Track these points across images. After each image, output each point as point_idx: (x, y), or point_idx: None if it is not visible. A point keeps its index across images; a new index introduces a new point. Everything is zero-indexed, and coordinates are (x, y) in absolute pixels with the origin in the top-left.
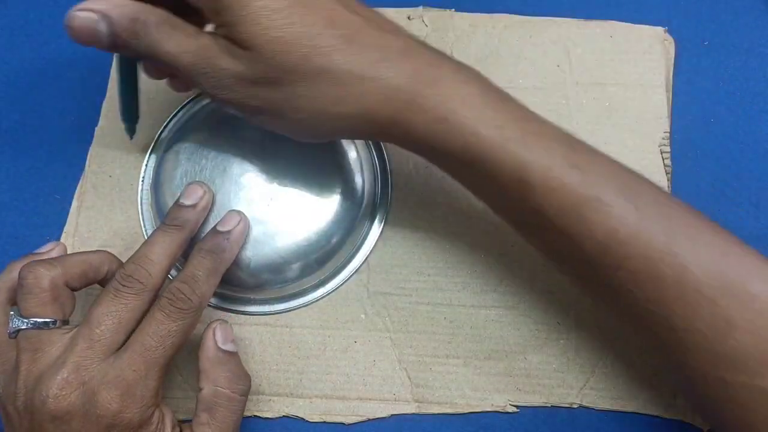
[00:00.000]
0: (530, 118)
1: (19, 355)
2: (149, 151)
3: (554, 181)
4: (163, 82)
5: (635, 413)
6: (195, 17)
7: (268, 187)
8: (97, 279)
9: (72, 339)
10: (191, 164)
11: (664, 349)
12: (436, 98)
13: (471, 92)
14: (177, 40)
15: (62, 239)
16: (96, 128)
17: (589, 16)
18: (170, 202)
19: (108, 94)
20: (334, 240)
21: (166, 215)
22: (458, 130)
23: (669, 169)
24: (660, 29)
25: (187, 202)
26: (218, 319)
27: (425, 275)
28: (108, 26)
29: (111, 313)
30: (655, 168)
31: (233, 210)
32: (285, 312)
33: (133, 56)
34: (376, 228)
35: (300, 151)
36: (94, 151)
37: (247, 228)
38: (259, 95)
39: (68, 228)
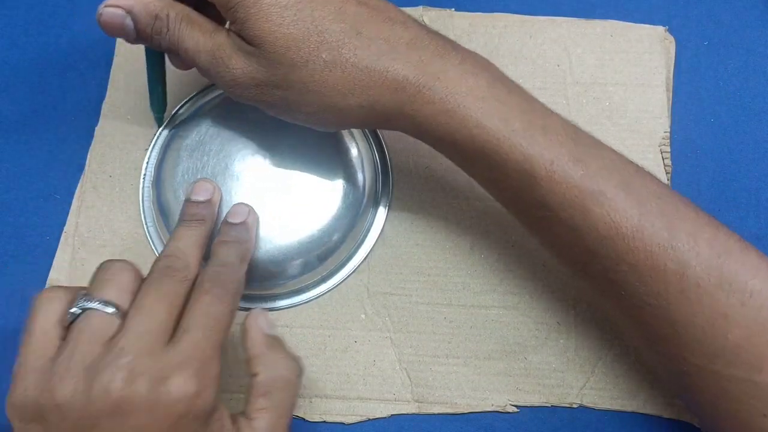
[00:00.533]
0: (536, 110)
1: (73, 341)
2: (150, 148)
3: (558, 174)
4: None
5: (635, 413)
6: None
7: (269, 184)
8: None
9: (126, 328)
10: (192, 161)
11: (662, 342)
12: (442, 90)
13: (477, 83)
14: (195, 38)
15: (62, 239)
16: (96, 128)
17: (589, 15)
18: (172, 199)
19: (108, 94)
20: (335, 237)
21: (181, 214)
22: (463, 122)
23: (669, 169)
24: (660, 28)
25: (201, 198)
26: (256, 308)
27: (425, 275)
28: (134, 22)
29: (160, 301)
30: (655, 167)
31: (239, 203)
32: (286, 308)
33: (159, 50)
34: (377, 226)
35: (302, 148)
36: (94, 151)
37: (257, 217)
38: (271, 92)
39: (68, 228)
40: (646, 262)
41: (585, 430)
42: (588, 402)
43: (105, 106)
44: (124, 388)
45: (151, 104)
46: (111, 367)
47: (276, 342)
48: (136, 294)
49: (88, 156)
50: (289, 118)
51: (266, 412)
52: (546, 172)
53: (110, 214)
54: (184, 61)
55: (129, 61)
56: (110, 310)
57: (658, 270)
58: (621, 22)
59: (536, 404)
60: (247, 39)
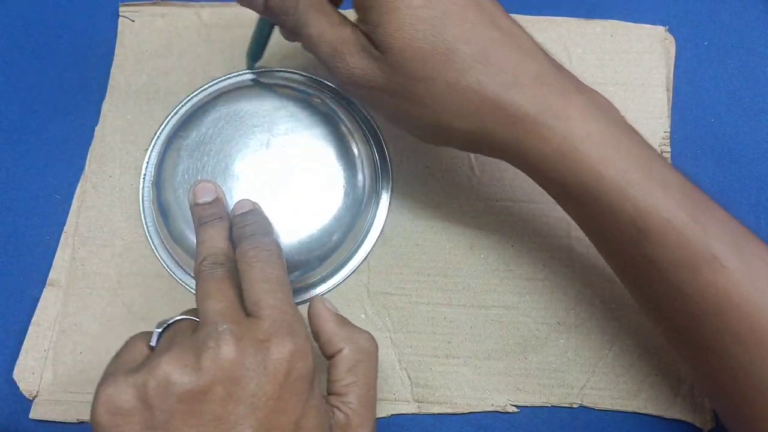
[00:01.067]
0: (654, 160)
1: (162, 342)
2: (150, 148)
3: (673, 233)
4: (160, 84)
5: (635, 413)
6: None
7: (269, 184)
8: None
9: (205, 311)
10: (192, 161)
11: (739, 397)
12: (561, 131)
13: (598, 128)
14: (320, 26)
15: (62, 239)
16: (96, 128)
17: (589, 15)
18: (172, 199)
19: (108, 94)
20: (335, 237)
21: (197, 218)
22: (578, 167)
23: None
24: (660, 28)
25: (208, 198)
26: (313, 296)
27: (425, 275)
28: None
29: (222, 290)
30: None
31: (246, 199)
32: None
33: (282, 27)
34: (377, 226)
35: (302, 148)
36: (94, 151)
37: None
38: (385, 98)
39: (68, 228)
40: (752, 332)
41: (585, 430)
42: (588, 402)
43: (105, 106)
44: (232, 352)
45: (249, 52)
46: (214, 336)
47: (346, 320)
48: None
49: (88, 156)
50: (394, 124)
51: (355, 386)
52: (661, 231)
53: (110, 214)
54: (300, 41)
55: (129, 61)
56: (186, 316)
57: (763, 341)
58: (621, 21)
59: (536, 404)
60: (374, 42)
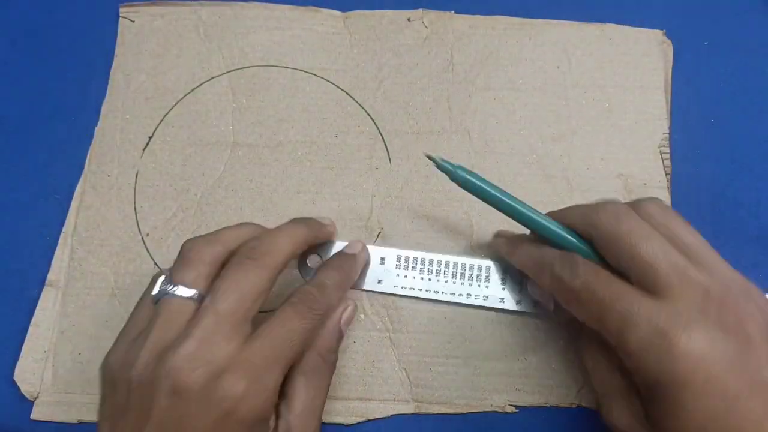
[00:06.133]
0: None
1: (152, 322)
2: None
3: None
4: (160, 84)
5: None
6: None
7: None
8: None
9: (199, 313)
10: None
11: None
12: None
13: None
14: (598, 363)
15: (61, 239)
16: (96, 128)
17: (588, 18)
18: None
19: (108, 94)
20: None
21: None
22: None
23: (668, 170)
24: (658, 32)
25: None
26: (352, 301)
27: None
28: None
29: (235, 285)
30: (654, 169)
31: (356, 240)
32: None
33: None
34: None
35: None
36: (93, 151)
37: (369, 257)
38: (629, 403)
39: (66, 228)
40: None
41: (584, 430)
42: (587, 403)
43: (105, 106)
44: (183, 375)
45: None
46: (173, 354)
47: (339, 336)
48: (215, 272)
49: (88, 156)
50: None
51: (304, 390)
52: None
53: (107, 214)
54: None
55: (129, 61)
56: (187, 294)
57: None
58: (619, 25)
59: (535, 405)
60: (650, 418)
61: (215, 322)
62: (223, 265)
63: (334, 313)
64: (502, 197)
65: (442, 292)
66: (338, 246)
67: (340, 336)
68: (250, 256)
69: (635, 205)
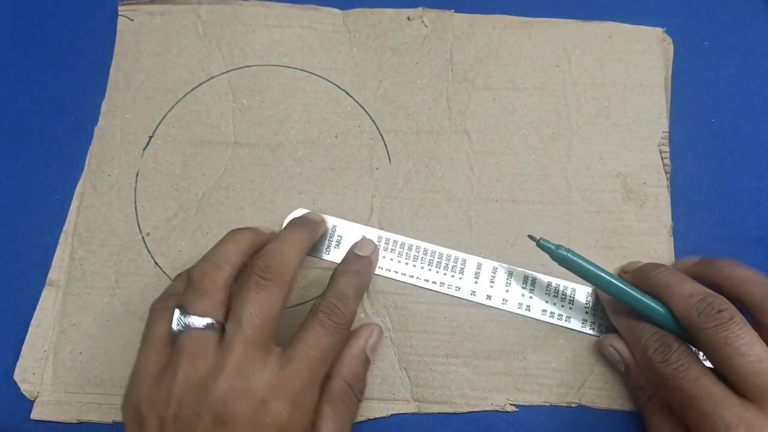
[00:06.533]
0: None
1: (177, 357)
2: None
3: None
4: (159, 83)
5: (634, 412)
6: None
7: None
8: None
9: (226, 343)
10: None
11: None
12: None
13: None
14: (705, 386)
15: (61, 239)
16: (96, 128)
17: (588, 17)
18: None
19: (107, 94)
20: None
21: (345, 260)
22: None
23: (668, 169)
24: (659, 30)
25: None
26: (378, 325)
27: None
28: (625, 370)
29: (259, 311)
30: (654, 168)
31: (367, 238)
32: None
33: (646, 381)
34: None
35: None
36: (93, 151)
37: (379, 256)
38: None
39: (67, 227)
40: None
41: (584, 429)
42: (587, 401)
43: (104, 106)
44: (227, 406)
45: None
46: (215, 386)
47: (366, 363)
48: (228, 296)
49: (88, 156)
50: None
51: (330, 420)
52: None
53: (108, 214)
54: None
55: (128, 60)
56: (207, 324)
57: None
58: (619, 23)
59: (535, 403)
60: None
61: (246, 350)
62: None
63: (359, 339)
64: (598, 273)
65: (425, 279)
66: (346, 226)
67: (367, 362)
68: (266, 277)
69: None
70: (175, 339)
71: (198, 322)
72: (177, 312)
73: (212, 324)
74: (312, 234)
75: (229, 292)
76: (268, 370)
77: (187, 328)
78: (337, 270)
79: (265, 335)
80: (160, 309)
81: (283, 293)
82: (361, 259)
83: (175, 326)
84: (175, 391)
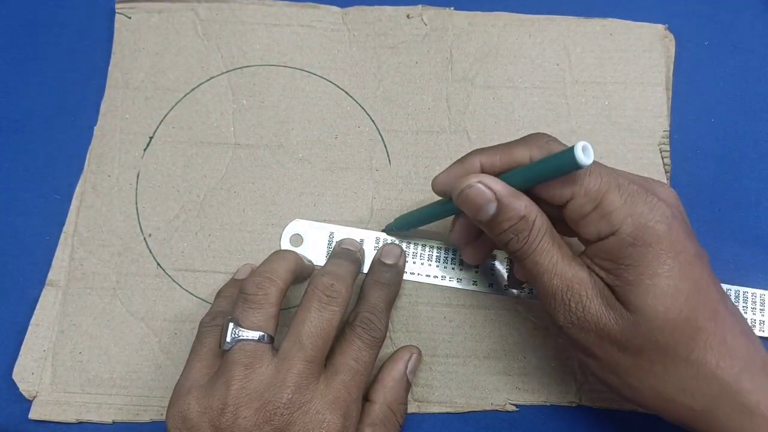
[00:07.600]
0: None
1: (230, 368)
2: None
3: None
4: (158, 82)
5: (633, 411)
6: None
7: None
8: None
9: (286, 358)
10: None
11: None
12: None
13: None
14: (552, 258)
15: (61, 239)
16: (96, 128)
17: (588, 14)
18: None
19: (107, 94)
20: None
21: (372, 271)
22: None
23: (668, 168)
24: (660, 27)
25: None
26: (416, 347)
27: (425, 275)
28: (496, 210)
29: (320, 331)
30: (654, 167)
31: (394, 243)
32: (285, 309)
33: (502, 248)
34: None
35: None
36: (93, 151)
37: (406, 260)
38: (611, 352)
39: (67, 228)
40: None
41: (584, 428)
42: (587, 401)
43: (104, 106)
44: (284, 419)
45: (401, 222)
46: (276, 401)
47: (407, 386)
48: (279, 309)
49: (87, 156)
50: (604, 375)
51: None
52: None
53: (109, 214)
54: (520, 265)
55: (127, 59)
56: (259, 336)
57: None
58: (620, 20)
59: (535, 403)
60: (619, 297)
61: (306, 368)
62: None
63: (400, 362)
64: (422, 211)
65: (426, 275)
66: (343, 233)
67: (408, 386)
68: (330, 295)
69: None
70: (224, 352)
71: (251, 335)
72: (231, 324)
73: (263, 337)
74: (359, 267)
75: (280, 308)
76: (322, 383)
77: (241, 340)
78: (366, 282)
79: (323, 354)
80: (210, 326)
81: (341, 314)
82: (390, 269)
83: (228, 338)
84: (230, 400)
